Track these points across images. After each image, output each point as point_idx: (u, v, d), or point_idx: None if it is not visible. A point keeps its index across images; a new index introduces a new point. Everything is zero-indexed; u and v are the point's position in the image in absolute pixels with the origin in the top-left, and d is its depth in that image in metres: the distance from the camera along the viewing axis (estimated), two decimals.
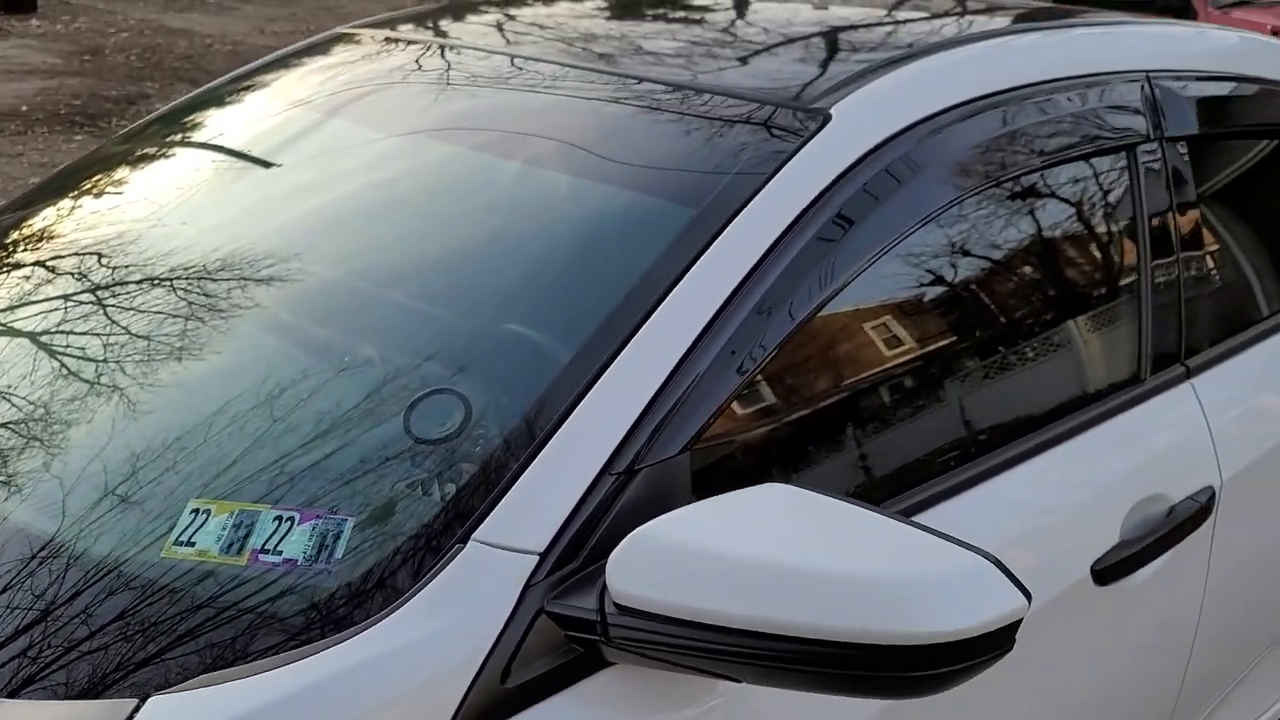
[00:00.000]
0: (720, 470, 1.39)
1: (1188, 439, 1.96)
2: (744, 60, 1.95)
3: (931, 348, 1.69)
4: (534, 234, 1.66)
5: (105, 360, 1.61)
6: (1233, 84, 2.35)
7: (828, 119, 1.62)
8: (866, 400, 1.60)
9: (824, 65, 1.92)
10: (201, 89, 2.49)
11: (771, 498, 1.24)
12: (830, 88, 1.71)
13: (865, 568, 1.12)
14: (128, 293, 1.76)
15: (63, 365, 1.62)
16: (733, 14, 2.32)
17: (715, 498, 1.24)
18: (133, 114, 8.12)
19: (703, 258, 1.43)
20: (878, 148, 1.60)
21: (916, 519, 1.33)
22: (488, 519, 1.24)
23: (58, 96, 8.51)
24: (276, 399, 1.46)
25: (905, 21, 2.21)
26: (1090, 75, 1.99)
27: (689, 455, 1.33)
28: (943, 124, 1.68)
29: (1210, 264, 2.20)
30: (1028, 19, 2.27)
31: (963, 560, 1.14)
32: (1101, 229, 2.03)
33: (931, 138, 1.66)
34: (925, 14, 2.28)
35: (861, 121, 1.64)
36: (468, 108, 1.90)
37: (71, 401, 1.56)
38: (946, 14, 2.31)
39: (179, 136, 2.23)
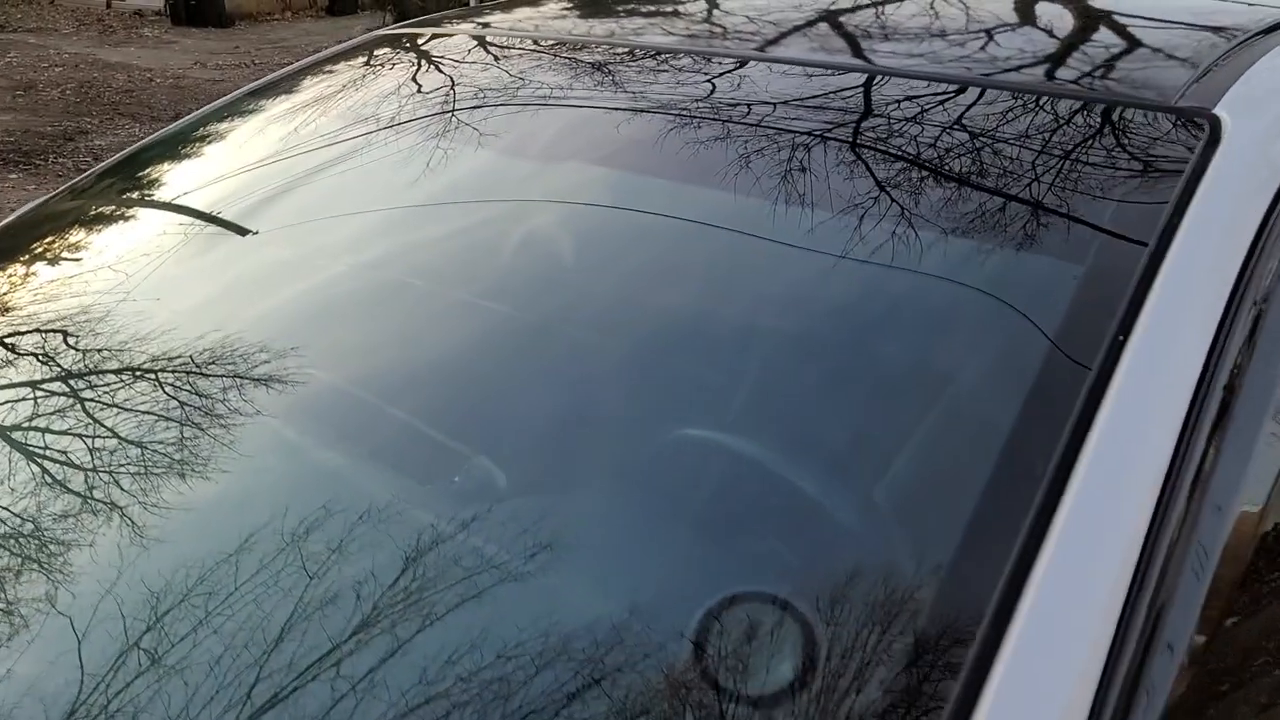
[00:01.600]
0: None
1: None
2: (1035, 43, 1.37)
3: None
4: (816, 328, 1.04)
5: (93, 499, 1.01)
6: None
7: (1216, 125, 1.06)
8: None
9: (1161, 44, 1.34)
10: (199, 112, 1.88)
11: None
12: (1192, 79, 1.15)
13: None
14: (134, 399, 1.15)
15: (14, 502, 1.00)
16: None
17: None
18: (70, 150, 7.42)
19: (1125, 357, 0.85)
20: None
21: None
22: None
23: None
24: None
25: None
26: None
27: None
28: None
29: None
30: None
31: None
32: None
33: None
34: None
35: (1267, 125, 1.08)
36: (666, 130, 1.28)
37: (26, 568, 0.95)
38: None
39: (186, 180, 1.62)
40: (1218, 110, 1.08)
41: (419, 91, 1.54)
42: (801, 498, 0.88)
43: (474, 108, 1.44)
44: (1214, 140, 1.04)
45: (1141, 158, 1.05)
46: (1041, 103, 1.14)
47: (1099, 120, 1.11)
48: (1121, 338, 0.86)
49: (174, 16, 13.89)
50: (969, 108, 1.15)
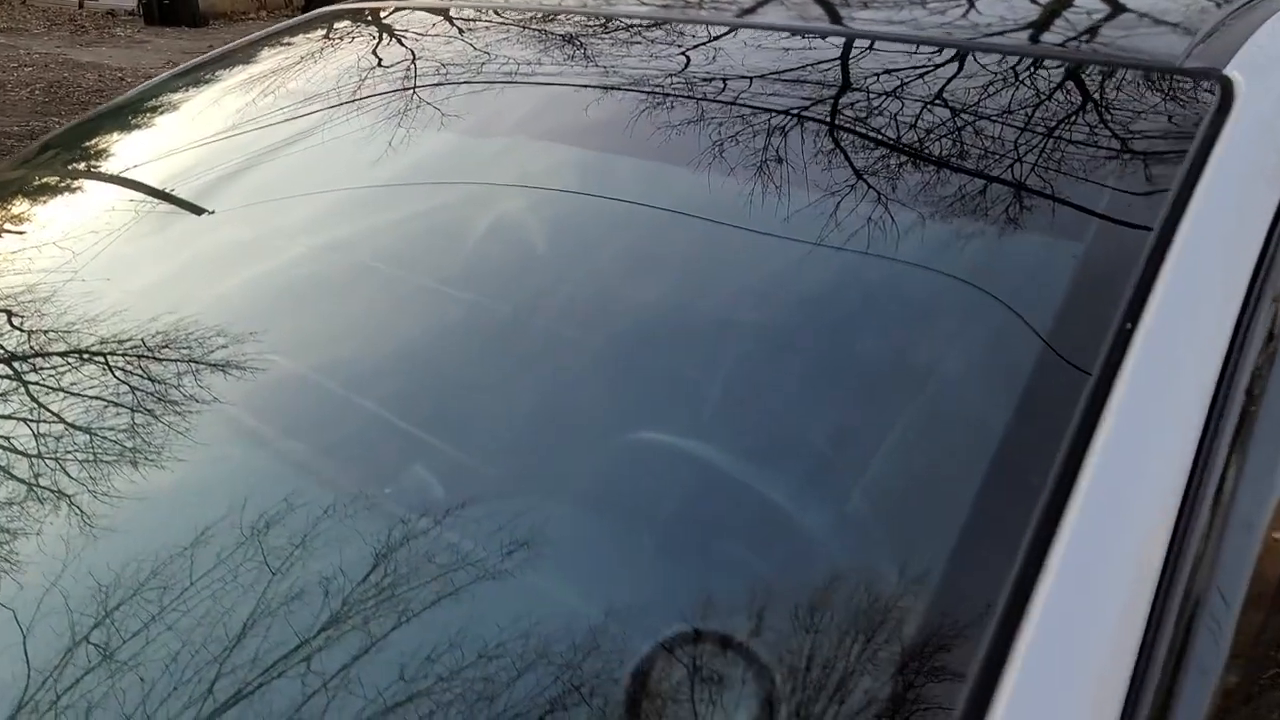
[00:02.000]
0: None
1: None
2: (1021, 5, 1.28)
3: None
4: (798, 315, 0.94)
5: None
6: None
7: (1228, 87, 0.98)
8: None
9: (1160, 3, 1.25)
10: (146, 84, 1.78)
11: None
12: (1197, 40, 1.08)
13: None
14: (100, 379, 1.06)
15: None
16: None
17: None
18: None
19: (1131, 356, 0.76)
20: None
21: None
22: None
23: None
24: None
25: None
26: None
27: None
28: None
29: None
30: None
31: None
32: None
33: None
34: None
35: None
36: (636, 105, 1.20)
37: None
38: None
39: (125, 155, 1.53)
40: (1229, 71, 1.00)
41: (380, 65, 1.46)
42: (762, 522, 0.79)
43: (438, 84, 1.36)
44: (1226, 105, 0.97)
45: (1145, 126, 0.97)
46: (1028, 67, 1.06)
47: (1095, 86, 1.03)
48: (1129, 325, 0.78)
49: (147, 16, 13.75)
50: (952, 79, 1.07)
